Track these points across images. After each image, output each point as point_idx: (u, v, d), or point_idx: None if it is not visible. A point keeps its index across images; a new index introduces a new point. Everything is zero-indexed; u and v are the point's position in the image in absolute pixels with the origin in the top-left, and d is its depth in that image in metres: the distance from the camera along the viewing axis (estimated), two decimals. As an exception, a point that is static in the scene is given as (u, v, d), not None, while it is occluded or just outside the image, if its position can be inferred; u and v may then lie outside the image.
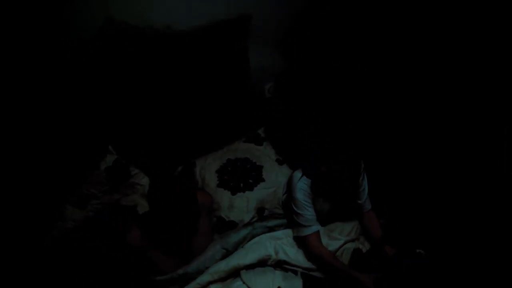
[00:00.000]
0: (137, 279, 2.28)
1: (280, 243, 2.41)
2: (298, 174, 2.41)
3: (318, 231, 2.37)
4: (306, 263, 2.35)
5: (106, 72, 2.64)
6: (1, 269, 2.24)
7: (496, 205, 2.46)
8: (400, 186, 2.74)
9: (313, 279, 2.30)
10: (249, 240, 2.45)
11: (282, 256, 2.35)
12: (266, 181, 2.77)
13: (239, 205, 2.66)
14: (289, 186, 2.44)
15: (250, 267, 2.34)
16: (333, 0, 3.02)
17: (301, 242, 2.40)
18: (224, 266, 2.30)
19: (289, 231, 2.47)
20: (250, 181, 2.76)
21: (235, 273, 2.32)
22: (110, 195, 2.63)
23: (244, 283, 2.26)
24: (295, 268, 2.34)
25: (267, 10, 3.03)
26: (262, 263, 2.36)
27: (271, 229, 2.53)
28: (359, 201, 2.50)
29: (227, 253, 2.39)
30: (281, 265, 2.37)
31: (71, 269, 2.30)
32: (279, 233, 2.46)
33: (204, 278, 2.26)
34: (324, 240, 2.39)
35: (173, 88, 2.83)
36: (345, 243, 2.42)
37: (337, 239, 2.43)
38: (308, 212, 2.36)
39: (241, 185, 2.74)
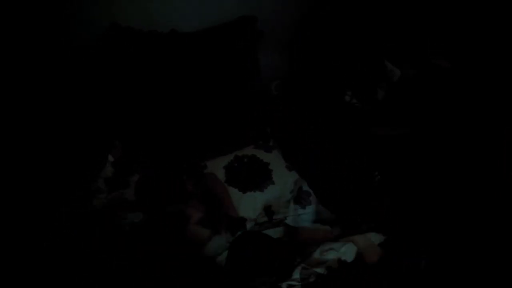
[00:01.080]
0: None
1: None
2: None
3: None
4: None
5: (113, 74, 2.67)
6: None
7: (496, 205, 2.46)
8: (399, 186, 2.72)
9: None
10: None
11: None
12: (276, 183, 2.72)
13: (248, 202, 2.62)
14: None
15: None
16: (333, 1, 3.04)
17: None
18: None
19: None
20: (260, 181, 2.71)
21: None
22: (117, 190, 2.59)
23: None
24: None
25: (272, 11, 3.05)
26: None
27: (275, 225, 2.52)
28: None
29: None
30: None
31: (70, 269, 2.22)
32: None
33: None
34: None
35: (179, 89, 2.82)
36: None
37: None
38: None
39: (250, 184, 2.69)
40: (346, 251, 2.31)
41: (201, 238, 2.38)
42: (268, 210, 2.63)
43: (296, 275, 2.20)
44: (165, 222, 2.35)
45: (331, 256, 2.29)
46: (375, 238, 2.38)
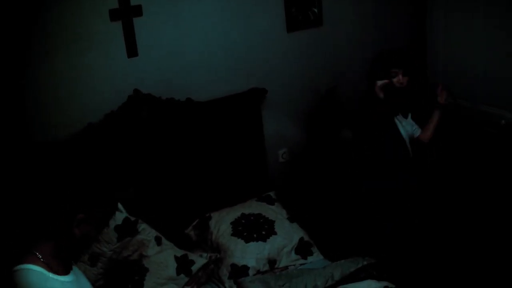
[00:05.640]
0: None
1: None
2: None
3: None
4: None
5: (134, 135, 2.88)
6: None
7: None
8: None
9: None
10: None
11: None
12: (278, 234, 2.85)
13: (252, 251, 2.74)
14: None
15: None
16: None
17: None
18: None
19: None
20: (263, 232, 2.83)
21: None
22: (120, 252, 2.67)
23: None
24: None
25: (279, 85, 3.37)
26: None
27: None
28: None
29: None
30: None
31: None
32: None
33: None
34: None
35: (192, 151, 3.06)
36: None
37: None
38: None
39: (254, 235, 2.82)
40: None
41: None
42: (270, 259, 2.73)
43: None
44: None
45: None
46: (374, 285, 2.44)
